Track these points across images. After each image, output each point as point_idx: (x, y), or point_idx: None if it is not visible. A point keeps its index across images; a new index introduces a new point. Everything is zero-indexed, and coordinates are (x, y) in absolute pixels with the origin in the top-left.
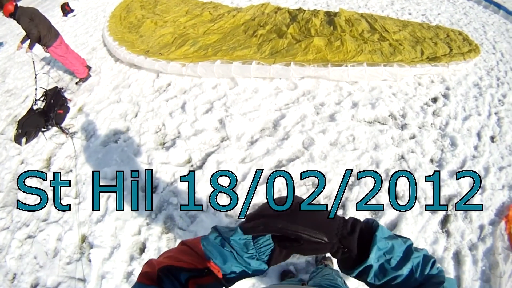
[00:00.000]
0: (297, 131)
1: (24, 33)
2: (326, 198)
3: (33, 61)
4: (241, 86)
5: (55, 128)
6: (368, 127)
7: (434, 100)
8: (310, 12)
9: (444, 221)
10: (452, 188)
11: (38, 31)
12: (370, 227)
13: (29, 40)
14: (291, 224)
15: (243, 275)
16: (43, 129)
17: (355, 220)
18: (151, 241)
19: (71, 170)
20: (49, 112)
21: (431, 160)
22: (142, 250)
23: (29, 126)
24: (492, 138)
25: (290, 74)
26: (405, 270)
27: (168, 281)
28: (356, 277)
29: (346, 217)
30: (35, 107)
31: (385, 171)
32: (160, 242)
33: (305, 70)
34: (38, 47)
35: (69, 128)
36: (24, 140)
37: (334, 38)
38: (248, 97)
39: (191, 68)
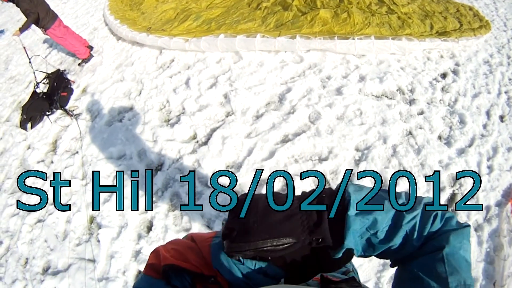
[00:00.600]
0: (303, 105)
1: (24, 19)
2: (332, 173)
3: (24, 47)
4: (246, 60)
5: (59, 111)
6: (376, 102)
7: (443, 75)
8: None
9: (451, 200)
10: (460, 166)
11: (37, 12)
12: (342, 204)
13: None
14: (247, 244)
15: (248, 284)
16: (47, 113)
17: (319, 201)
18: (158, 219)
19: (77, 152)
20: (52, 95)
21: (439, 137)
22: (150, 228)
23: (34, 111)
24: (502, 118)
25: (295, 47)
26: (397, 240)
27: (176, 278)
28: (346, 258)
29: None
30: (38, 91)
31: (392, 146)
32: (167, 220)
33: (311, 43)
34: (38, 31)
35: (73, 110)
36: (29, 125)
37: (340, 10)
38: (253, 71)
39: (195, 43)
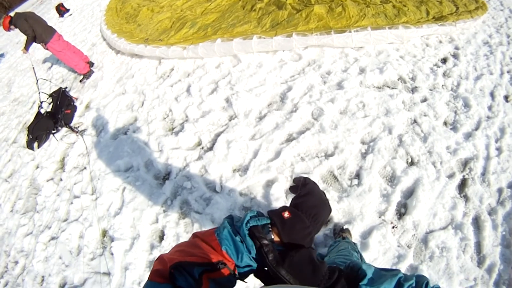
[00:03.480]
0: (305, 102)
1: (24, 38)
2: (340, 168)
3: (33, 67)
4: (245, 62)
5: (65, 129)
6: (378, 93)
7: (444, 60)
8: None
9: (462, 186)
10: (468, 151)
11: (33, 30)
12: (356, 276)
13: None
14: (280, 267)
15: (252, 269)
16: (53, 131)
17: (340, 272)
18: (169, 227)
19: (85, 168)
20: (57, 113)
21: (445, 123)
22: (161, 237)
23: (39, 130)
24: (506, 98)
25: (293, 45)
26: None
27: (181, 278)
28: None
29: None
30: (42, 111)
31: (398, 136)
32: (178, 228)
33: (308, 40)
34: (40, 50)
35: (78, 127)
36: (36, 144)
37: (335, 4)
38: (252, 73)
39: (192, 50)
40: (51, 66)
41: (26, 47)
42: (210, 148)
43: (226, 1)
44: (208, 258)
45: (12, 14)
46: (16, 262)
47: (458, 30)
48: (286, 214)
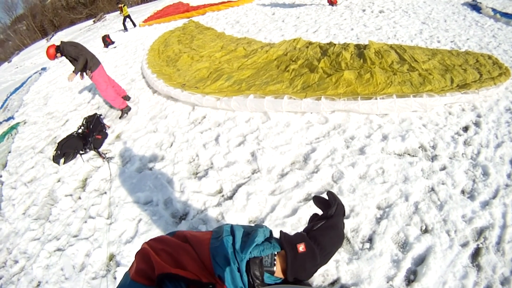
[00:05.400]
0: (327, 165)
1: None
2: (353, 231)
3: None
4: (273, 120)
5: (92, 152)
6: (398, 160)
7: (465, 129)
8: (341, 46)
9: (475, 254)
10: (484, 220)
11: (85, 56)
12: None
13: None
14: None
15: None
16: (81, 152)
17: None
18: None
19: (105, 192)
20: (88, 136)
21: (462, 191)
22: None
23: (68, 148)
24: None
25: (321, 108)
26: None
27: (170, 283)
28: None
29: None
30: (74, 131)
31: (414, 203)
32: None
33: (335, 104)
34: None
35: (106, 153)
36: (62, 160)
37: (364, 70)
38: (280, 131)
39: (225, 102)
40: (90, 91)
41: (76, 71)
42: (230, 197)
43: (262, 59)
44: (199, 277)
45: (57, 43)
46: (16, 261)
47: (481, 98)
48: (301, 248)
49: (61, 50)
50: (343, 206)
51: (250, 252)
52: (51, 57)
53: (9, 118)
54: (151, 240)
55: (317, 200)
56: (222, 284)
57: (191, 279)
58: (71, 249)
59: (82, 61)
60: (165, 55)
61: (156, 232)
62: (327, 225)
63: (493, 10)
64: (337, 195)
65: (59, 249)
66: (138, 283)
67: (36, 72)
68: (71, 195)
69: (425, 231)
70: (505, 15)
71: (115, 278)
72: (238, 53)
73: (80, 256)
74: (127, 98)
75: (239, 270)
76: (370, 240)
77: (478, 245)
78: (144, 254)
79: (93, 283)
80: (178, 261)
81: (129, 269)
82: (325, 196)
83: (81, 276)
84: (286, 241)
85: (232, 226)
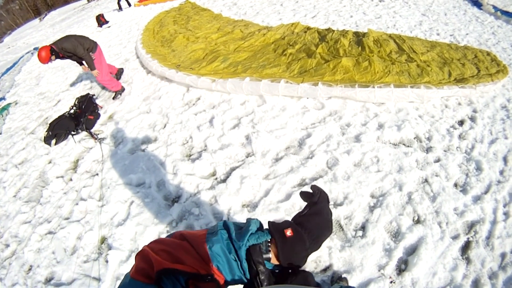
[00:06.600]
0: (322, 151)
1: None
2: (346, 218)
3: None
4: (269, 104)
5: (84, 133)
6: (393, 149)
7: (461, 123)
8: (339, 32)
9: (465, 248)
10: (475, 214)
11: (86, 47)
12: None
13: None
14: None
15: (243, 281)
16: (72, 133)
17: None
18: None
19: (97, 174)
20: (80, 117)
21: (455, 185)
22: None
23: (60, 129)
24: None
25: (317, 94)
26: None
27: (168, 282)
28: None
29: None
30: (66, 112)
31: (407, 194)
32: None
33: (332, 90)
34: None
35: (98, 134)
36: (53, 141)
37: (362, 58)
38: (275, 115)
39: (221, 84)
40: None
41: (92, 68)
42: (224, 180)
43: (259, 42)
44: (197, 269)
45: (50, 44)
46: (7, 245)
47: (477, 93)
48: (288, 233)
49: (58, 51)
50: (326, 194)
51: (248, 240)
52: (45, 60)
53: (0, 99)
54: (150, 242)
55: (303, 194)
56: (219, 274)
57: (189, 272)
58: (62, 232)
59: (88, 58)
60: (160, 35)
61: (148, 214)
62: (311, 211)
63: (494, 7)
64: (325, 185)
65: (50, 232)
66: (137, 281)
67: (28, 52)
68: (62, 176)
69: (417, 221)
70: (506, 13)
71: (106, 261)
72: (235, 35)
73: (72, 239)
74: (119, 71)
75: (237, 259)
76: (363, 228)
77: (468, 238)
78: (144, 254)
79: (85, 266)
80: (177, 257)
81: (130, 269)
82: (309, 190)
83: (73, 260)
84: (274, 228)
85: (225, 221)
